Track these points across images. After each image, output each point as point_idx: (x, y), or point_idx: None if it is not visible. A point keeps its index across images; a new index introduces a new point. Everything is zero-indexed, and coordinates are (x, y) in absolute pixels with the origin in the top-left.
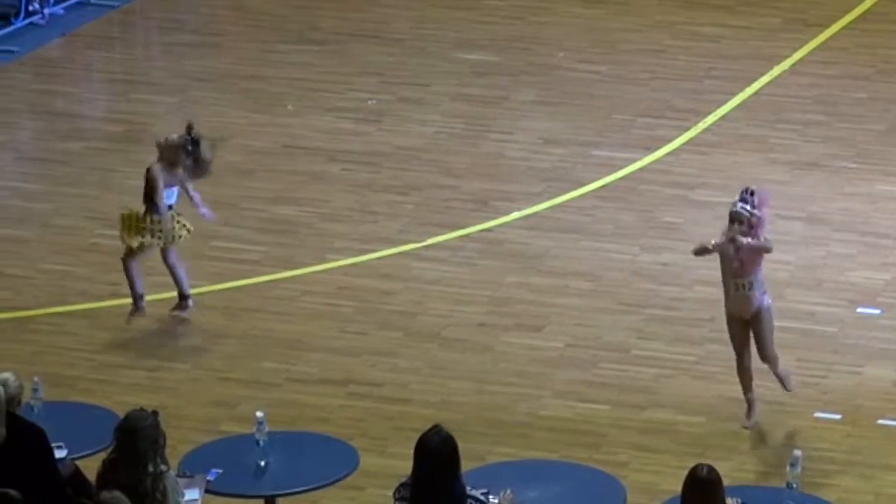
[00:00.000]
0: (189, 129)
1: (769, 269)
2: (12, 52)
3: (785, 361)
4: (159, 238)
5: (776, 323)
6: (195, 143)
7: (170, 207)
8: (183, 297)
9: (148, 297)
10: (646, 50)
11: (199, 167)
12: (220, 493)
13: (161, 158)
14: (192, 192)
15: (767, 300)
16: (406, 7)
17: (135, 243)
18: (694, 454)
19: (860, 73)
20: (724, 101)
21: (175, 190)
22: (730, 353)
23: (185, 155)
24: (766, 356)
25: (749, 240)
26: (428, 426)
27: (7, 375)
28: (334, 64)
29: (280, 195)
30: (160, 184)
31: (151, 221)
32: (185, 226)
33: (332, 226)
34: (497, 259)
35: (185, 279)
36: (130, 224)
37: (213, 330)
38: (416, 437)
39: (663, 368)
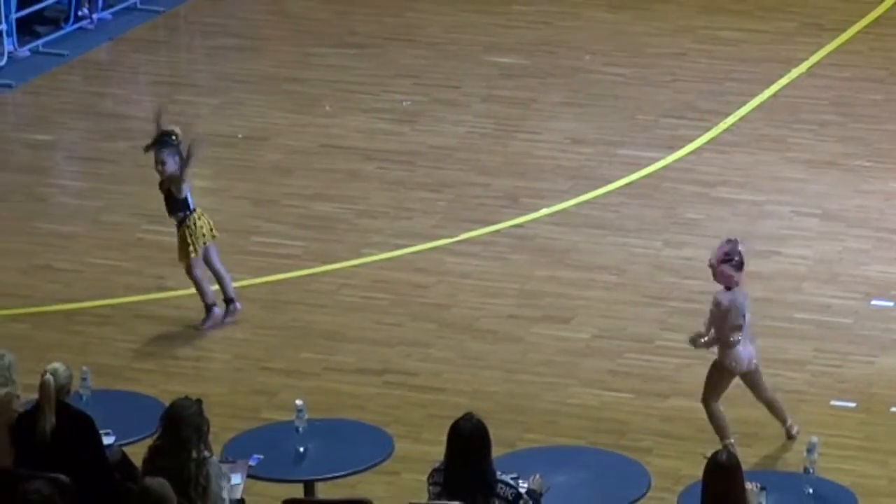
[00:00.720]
0: (158, 126)
1: (787, 263)
2: (62, 55)
3: (802, 351)
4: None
5: (795, 314)
6: (167, 135)
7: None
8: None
9: (186, 292)
10: (668, 53)
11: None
12: (261, 478)
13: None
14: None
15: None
16: (439, 12)
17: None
18: (715, 441)
19: (874, 76)
20: (744, 103)
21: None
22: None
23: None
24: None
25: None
26: (460, 414)
27: (57, 365)
28: (371, 67)
29: (318, 192)
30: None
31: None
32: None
33: (368, 222)
34: (526, 253)
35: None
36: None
37: (254, 321)
38: (448, 424)
39: (685, 358)
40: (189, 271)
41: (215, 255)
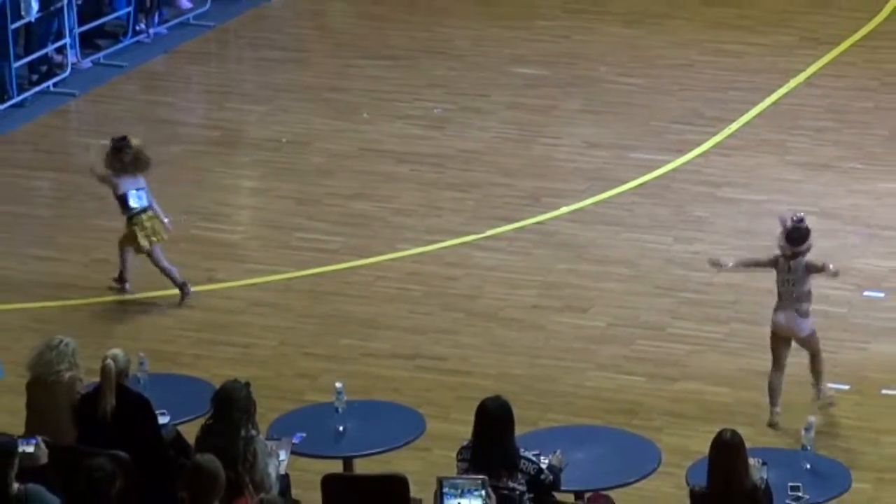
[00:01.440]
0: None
1: None
2: (121, 66)
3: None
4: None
5: None
6: (121, 140)
7: (144, 210)
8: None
9: (235, 283)
10: (677, 65)
11: (138, 160)
12: (304, 455)
13: (110, 167)
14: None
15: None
16: (467, 27)
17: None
18: (720, 420)
19: (867, 86)
20: (747, 110)
21: (143, 192)
22: (752, 330)
23: (120, 154)
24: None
25: None
26: (487, 395)
27: (116, 351)
28: (404, 77)
29: (357, 192)
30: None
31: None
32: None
33: (402, 219)
34: (548, 248)
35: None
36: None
37: (298, 310)
38: (476, 405)
39: (693, 345)
40: (152, 261)
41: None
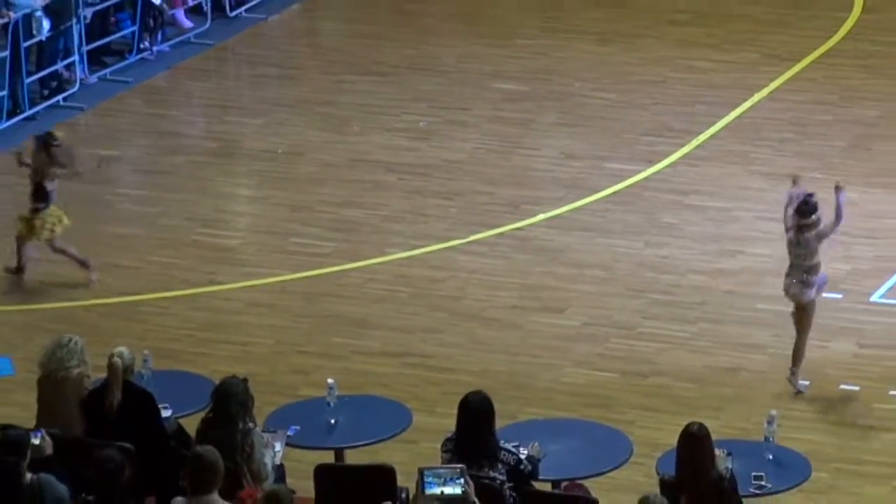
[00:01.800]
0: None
1: (751, 260)
2: (127, 82)
3: (763, 337)
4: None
5: (757, 305)
6: (48, 137)
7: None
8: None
9: (234, 285)
10: (648, 80)
11: (66, 155)
12: (298, 446)
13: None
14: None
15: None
16: (451, 45)
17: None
18: (688, 413)
19: (826, 100)
20: (713, 123)
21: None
22: (717, 329)
23: (47, 152)
24: None
25: None
26: (470, 390)
27: (122, 349)
28: (392, 92)
29: (347, 200)
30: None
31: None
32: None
33: (390, 225)
34: (526, 253)
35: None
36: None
37: (292, 311)
38: (459, 400)
39: (663, 343)
40: (53, 248)
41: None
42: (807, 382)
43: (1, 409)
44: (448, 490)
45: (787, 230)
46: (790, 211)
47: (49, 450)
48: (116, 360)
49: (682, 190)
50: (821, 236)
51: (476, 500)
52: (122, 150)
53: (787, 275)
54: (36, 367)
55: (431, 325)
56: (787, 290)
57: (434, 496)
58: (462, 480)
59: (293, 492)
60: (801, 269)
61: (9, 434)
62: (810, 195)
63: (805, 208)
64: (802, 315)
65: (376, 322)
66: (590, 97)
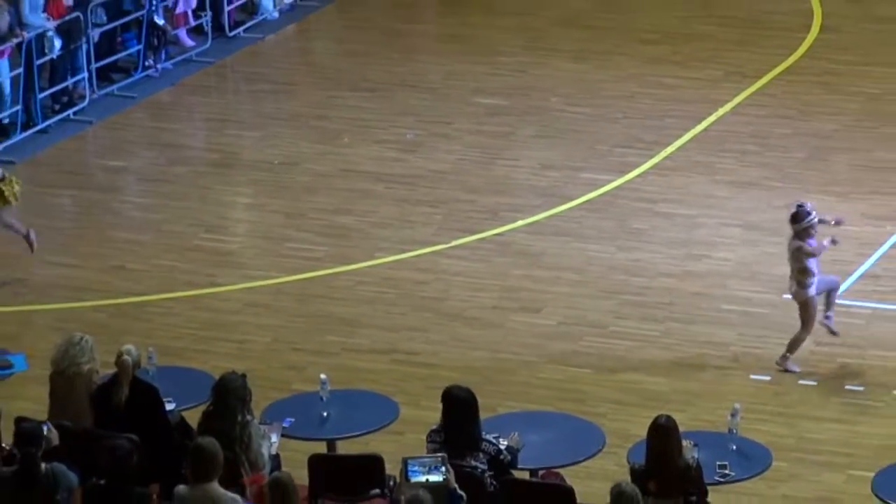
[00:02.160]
0: None
1: (715, 264)
2: (133, 97)
3: (727, 335)
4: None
5: (722, 305)
6: None
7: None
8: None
9: (233, 287)
10: (620, 96)
11: None
12: (293, 437)
13: None
14: None
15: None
16: (436, 63)
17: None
18: (657, 407)
19: (786, 114)
20: (680, 135)
21: None
22: (685, 328)
23: None
24: None
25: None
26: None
27: (130, 347)
28: (381, 106)
29: (339, 207)
30: None
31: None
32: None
33: (378, 231)
34: (506, 257)
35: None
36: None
37: (288, 311)
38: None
39: (634, 341)
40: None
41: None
42: (798, 369)
43: (16, 403)
44: (431, 478)
45: None
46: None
47: (55, 441)
48: (126, 357)
49: (651, 198)
50: (800, 251)
51: (456, 486)
52: (129, 161)
53: (790, 275)
54: (48, 363)
55: (417, 325)
56: (789, 289)
57: (418, 483)
58: (443, 468)
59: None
60: (794, 270)
61: (24, 427)
62: (801, 205)
63: (792, 215)
64: (801, 311)
65: (366, 321)
66: (565, 111)
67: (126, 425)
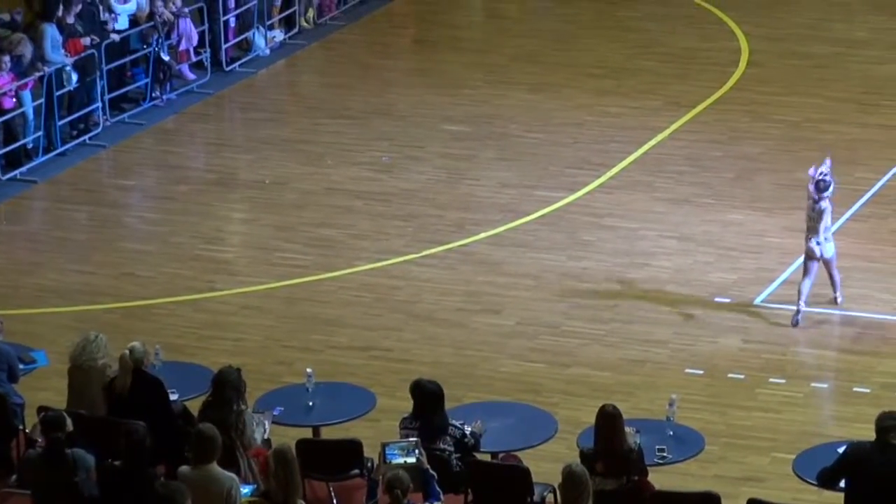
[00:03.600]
0: None
1: (655, 271)
2: (141, 124)
3: (665, 334)
4: None
5: (660, 307)
6: None
7: None
8: None
9: (229, 291)
10: (570, 123)
11: None
12: (282, 424)
13: None
14: None
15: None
16: (408, 94)
17: None
18: (603, 397)
19: (717, 139)
20: (624, 158)
21: None
22: (627, 328)
23: None
24: None
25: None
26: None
27: (135, 344)
28: (359, 132)
29: (323, 221)
30: None
31: None
32: None
33: (357, 242)
34: (470, 265)
35: None
36: None
37: (277, 313)
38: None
39: (582, 339)
40: None
41: None
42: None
43: (39, 394)
44: (408, 460)
45: (808, 199)
46: (811, 187)
47: (70, 427)
48: (124, 352)
49: (598, 213)
50: (826, 212)
51: (428, 466)
52: (138, 180)
53: (807, 238)
54: (67, 359)
55: (391, 325)
56: (811, 250)
57: (396, 465)
58: (417, 451)
59: None
60: (817, 230)
61: (49, 415)
62: (824, 175)
63: (823, 186)
64: (827, 265)
65: (346, 322)
66: (522, 137)
67: (132, 412)
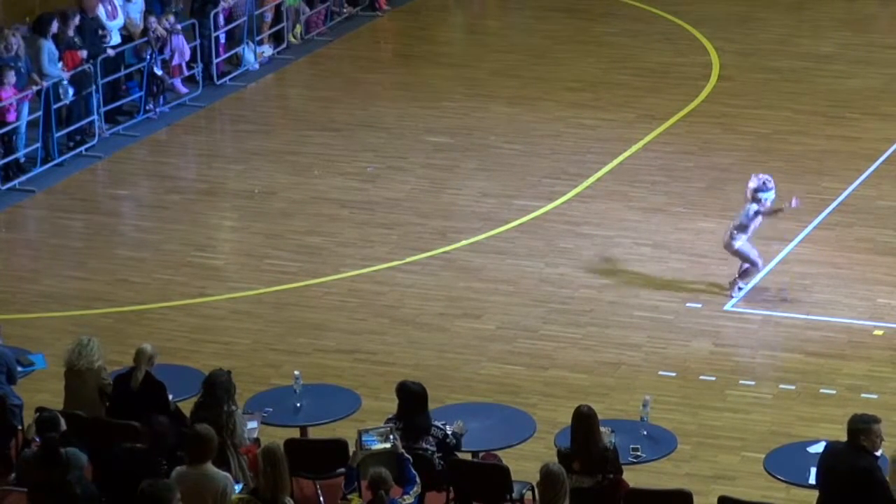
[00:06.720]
0: None
1: (629, 277)
2: (135, 136)
3: (639, 338)
4: None
5: (634, 312)
6: None
7: None
8: None
9: (220, 297)
10: (549, 135)
11: None
12: (271, 424)
13: None
14: None
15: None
16: (393, 107)
17: None
18: (579, 398)
19: (689, 150)
20: (599, 168)
21: None
22: (603, 332)
23: None
24: None
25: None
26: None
27: (147, 345)
28: (345, 144)
29: (310, 229)
30: None
31: None
32: None
33: (343, 249)
34: (451, 271)
35: None
36: None
37: (266, 317)
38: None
39: (559, 343)
40: None
41: None
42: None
43: (37, 396)
44: (385, 445)
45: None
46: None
47: (64, 427)
48: (143, 346)
49: (575, 221)
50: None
51: (403, 451)
52: (132, 190)
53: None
54: (63, 362)
55: (376, 329)
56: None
57: (374, 450)
58: (392, 437)
59: None
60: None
61: (44, 415)
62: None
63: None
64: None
65: (332, 326)
66: (502, 148)
67: (138, 409)
